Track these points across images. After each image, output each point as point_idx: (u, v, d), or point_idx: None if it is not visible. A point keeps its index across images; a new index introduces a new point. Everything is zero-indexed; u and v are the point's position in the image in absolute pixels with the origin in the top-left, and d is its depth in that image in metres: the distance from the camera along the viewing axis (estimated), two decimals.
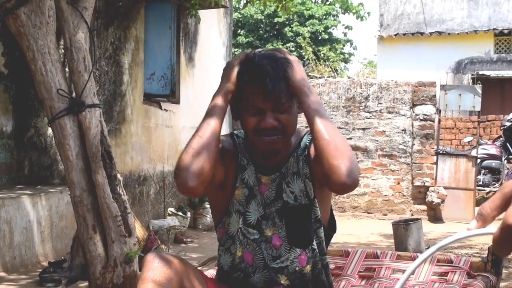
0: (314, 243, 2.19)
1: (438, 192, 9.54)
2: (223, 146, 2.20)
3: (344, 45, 28.19)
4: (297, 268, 2.16)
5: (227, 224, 2.21)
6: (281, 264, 2.16)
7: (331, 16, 27.40)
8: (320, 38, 26.63)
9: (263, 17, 26.60)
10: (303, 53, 20.25)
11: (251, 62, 2.13)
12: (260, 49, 2.23)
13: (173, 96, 8.09)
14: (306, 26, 26.04)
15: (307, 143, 2.22)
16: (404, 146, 10.08)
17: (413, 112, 10.03)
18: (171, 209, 7.87)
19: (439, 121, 10.55)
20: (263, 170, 2.20)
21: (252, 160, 2.22)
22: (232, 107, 2.24)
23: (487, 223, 0.97)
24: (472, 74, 16.17)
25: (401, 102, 10.10)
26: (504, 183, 0.95)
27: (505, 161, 11.56)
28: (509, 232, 0.89)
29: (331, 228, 2.28)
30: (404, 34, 17.00)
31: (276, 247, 2.16)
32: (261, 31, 26.92)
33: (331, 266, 2.63)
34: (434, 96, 10.05)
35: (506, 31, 16.32)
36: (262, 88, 2.07)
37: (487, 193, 11.22)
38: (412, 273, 1.06)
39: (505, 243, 0.90)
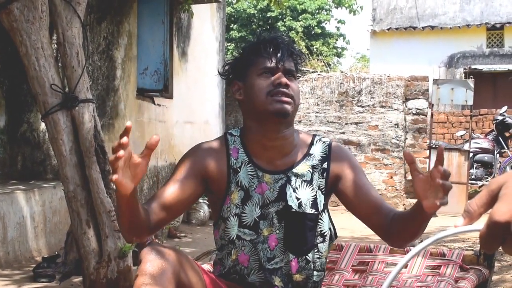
0: (310, 255, 2.16)
1: None
2: (209, 153, 2.19)
3: (337, 40, 28.20)
4: (289, 272, 2.15)
5: (222, 229, 2.18)
6: (275, 266, 2.14)
7: (323, 10, 27.39)
8: (313, 32, 26.63)
9: (256, 11, 26.57)
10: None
11: (263, 34, 2.25)
12: None
13: (166, 91, 8.09)
14: (299, 21, 26.03)
15: (324, 155, 2.21)
16: (397, 140, 10.10)
17: (406, 106, 10.06)
18: None
19: (432, 115, 10.58)
20: (266, 168, 2.17)
21: (250, 157, 2.19)
22: (234, 82, 2.24)
23: (473, 220, 0.98)
24: (465, 68, 16.20)
25: (394, 97, 10.13)
26: (491, 180, 0.96)
27: (498, 155, 11.59)
28: (495, 228, 0.90)
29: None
30: (396, 29, 17.02)
31: (271, 247, 2.14)
32: (254, 26, 26.89)
33: None
34: (427, 90, 10.08)
35: (498, 25, 16.36)
36: (275, 52, 2.15)
37: (480, 187, 11.25)
38: (397, 275, 1.07)
39: (492, 239, 0.92)
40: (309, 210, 2.15)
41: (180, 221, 7.77)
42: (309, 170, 2.18)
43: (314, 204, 2.16)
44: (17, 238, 5.36)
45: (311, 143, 2.23)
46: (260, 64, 2.16)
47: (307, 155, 2.20)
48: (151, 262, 1.87)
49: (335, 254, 2.74)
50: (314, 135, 2.28)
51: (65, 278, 4.35)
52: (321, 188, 2.18)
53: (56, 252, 5.36)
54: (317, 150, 2.22)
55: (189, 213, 8.34)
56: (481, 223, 0.95)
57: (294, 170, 2.17)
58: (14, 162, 6.40)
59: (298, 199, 2.15)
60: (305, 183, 2.17)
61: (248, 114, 2.19)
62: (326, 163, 2.20)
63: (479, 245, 2.66)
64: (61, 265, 4.65)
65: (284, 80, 2.12)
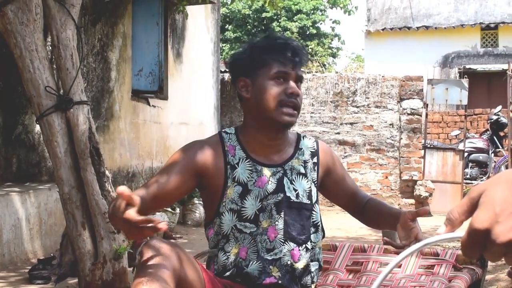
0: (308, 244, 2.22)
1: (426, 186, 9.60)
2: (206, 149, 2.21)
3: (332, 40, 28.22)
4: (288, 262, 2.18)
5: (217, 225, 2.21)
6: (274, 256, 2.18)
7: (318, 10, 27.41)
8: (308, 33, 26.65)
9: (250, 12, 26.57)
10: None
11: (278, 36, 2.26)
12: None
13: (161, 92, 8.09)
14: (294, 21, 26.04)
15: (313, 150, 2.32)
16: (392, 140, 10.12)
17: (401, 106, 10.08)
18: None
19: (426, 115, 10.60)
20: (263, 162, 2.23)
21: (247, 153, 2.23)
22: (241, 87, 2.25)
23: (455, 228, 1.00)
24: (459, 68, 16.25)
25: (389, 97, 10.14)
26: (472, 188, 0.98)
27: (492, 154, 11.64)
28: (476, 236, 0.91)
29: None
30: (391, 29, 17.05)
31: (271, 239, 2.18)
32: (249, 26, 26.90)
33: None
34: (421, 90, 10.10)
35: (492, 25, 16.41)
36: (292, 57, 2.17)
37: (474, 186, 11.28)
38: (381, 283, 1.10)
39: (473, 246, 0.93)
40: (305, 200, 2.23)
41: (175, 222, 7.77)
42: (301, 164, 2.27)
43: (310, 195, 2.25)
44: (12, 240, 5.36)
45: (298, 140, 2.34)
46: (274, 67, 2.17)
47: (298, 149, 2.30)
48: (151, 258, 1.87)
49: (329, 254, 2.74)
50: (298, 133, 2.39)
51: (60, 279, 4.35)
52: (314, 181, 2.29)
53: (52, 254, 5.36)
54: (306, 146, 2.33)
55: (185, 214, 8.34)
56: (463, 231, 0.96)
57: (290, 164, 2.25)
58: (9, 164, 6.40)
59: (295, 190, 2.23)
60: (301, 176, 2.25)
61: (251, 113, 2.25)
62: (316, 157, 2.31)
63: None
64: (57, 267, 4.65)
65: (297, 90, 2.18)
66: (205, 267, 2.28)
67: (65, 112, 3.82)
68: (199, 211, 8.30)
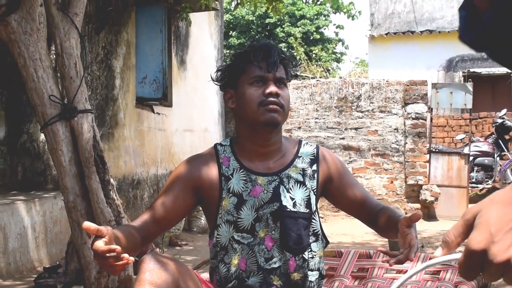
0: (306, 253, 2.20)
1: (431, 190, 9.58)
2: (201, 164, 2.24)
3: (335, 45, 28.22)
4: (288, 271, 2.18)
5: (215, 237, 2.21)
6: (273, 265, 2.17)
7: (322, 16, 27.43)
8: (311, 38, 26.66)
9: (254, 18, 26.60)
10: (295, 54, 20.28)
11: (254, 43, 2.28)
12: None
13: (165, 99, 8.10)
14: (298, 27, 26.06)
15: (312, 157, 2.30)
16: (397, 145, 10.11)
17: (405, 111, 10.07)
18: None
19: (431, 119, 10.58)
20: (258, 171, 2.22)
21: (241, 163, 2.24)
22: (228, 91, 2.29)
23: (451, 250, 1.01)
24: (463, 72, 16.22)
25: (393, 101, 10.13)
26: (466, 209, 0.98)
27: (498, 158, 11.60)
28: (473, 257, 0.92)
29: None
30: (395, 33, 17.04)
31: (269, 248, 2.17)
32: (252, 32, 26.93)
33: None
34: (426, 94, 10.08)
35: None
36: (266, 60, 2.19)
37: (480, 190, 11.25)
38: None
39: (470, 268, 0.94)
40: (303, 209, 2.21)
41: (181, 229, 7.77)
42: (300, 172, 2.25)
43: (308, 204, 2.23)
44: (18, 249, 5.37)
45: (299, 147, 2.32)
46: (251, 72, 2.21)
47: (297, 157, 2.29)
48: (150, 271, 1.88)
49: (334, 261, 2.74)
50: (300, 140, 2.38)
51: None
52: (313, 189, 2.26)
53: (57, 262, 5.37)
54: (306, 153, 2.31)
55: (190, 221, 8.34)
56: (460, 253, 0.97)
57: (287, 172, 2.24)
58: (15, 173, 6.41)
59: (292, 199, 2.21)
60: (298, 184, 2.23)
61: (240, 122, 2.27)
62: (315, 165, 2.29)
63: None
64: (62, 275, 4.66)
65: (274, 89, 2.18)
66: (207, 278, 2.28)
67: (70, 121, 3.83)
68: (205, 218, 8.29)
